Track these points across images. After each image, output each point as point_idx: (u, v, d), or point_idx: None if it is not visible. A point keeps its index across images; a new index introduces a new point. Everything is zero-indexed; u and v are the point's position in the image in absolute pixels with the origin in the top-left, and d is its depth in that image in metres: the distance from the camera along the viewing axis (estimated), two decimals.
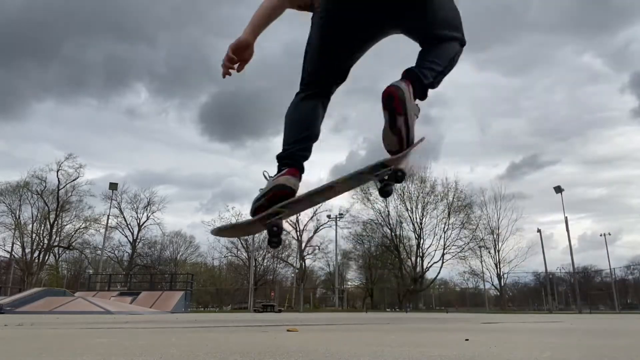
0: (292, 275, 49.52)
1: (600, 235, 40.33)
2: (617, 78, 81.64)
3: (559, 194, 36.88)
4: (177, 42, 71.97)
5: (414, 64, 2.20)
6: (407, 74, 2.10)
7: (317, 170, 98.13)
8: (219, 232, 2.27)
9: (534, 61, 74.46)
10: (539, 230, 39.00)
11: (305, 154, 2.23)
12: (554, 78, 73.49)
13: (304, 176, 2.22)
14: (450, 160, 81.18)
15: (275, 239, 2.05)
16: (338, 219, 43.93)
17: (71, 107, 73.67)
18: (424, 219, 44.49)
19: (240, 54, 2.20)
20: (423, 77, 2.09)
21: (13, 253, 42.46)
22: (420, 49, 2.27)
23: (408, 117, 2.02)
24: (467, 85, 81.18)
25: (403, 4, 2.15)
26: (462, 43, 2.31)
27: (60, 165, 43.63)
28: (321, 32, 2.27)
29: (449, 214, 43.83)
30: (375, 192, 44.27)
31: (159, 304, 24.93)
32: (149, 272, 43.12)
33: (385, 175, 2.07)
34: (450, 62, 2.23)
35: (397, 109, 2.00)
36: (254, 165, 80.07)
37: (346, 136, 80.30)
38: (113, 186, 41.36)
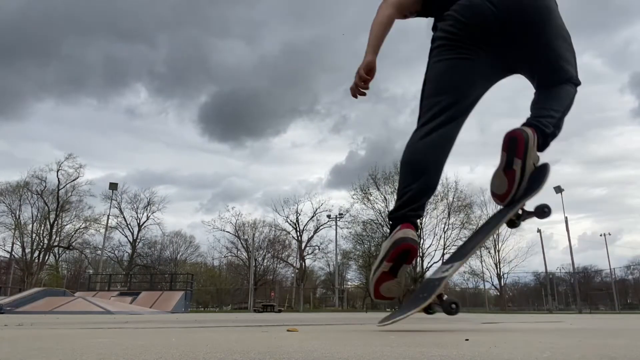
0: (292, 275, 49.51)
1: (600, 235, 40.43)
2: (616, 78, 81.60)
3: (559, 194, 36.88)
4: (177, 42, 71.94)
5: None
6: (528, 125, 2.07)
7: (317, 170, 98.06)
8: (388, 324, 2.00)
9: None
10: (539, 230, 39.02)
11: (421, 213, 2.06)
12: None
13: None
14: (449, 160, 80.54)
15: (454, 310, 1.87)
16: (338, 219, 43.96)
17: (71, 106, 73.69)
18: (423, 219, 44.45)
19: (369, 74, 2.23)
20: (545, 127, 2.06)
21: (13, 253, 42.48)
22: (535, 92, 2.23)
23: (526, 163, 1.99)
24: None
25: (527, 36, 2.06)
26: (577, 84, 2.25)
27: (60, 165, 43.66)
28: (441, 63, 2.14)
29: (449, 214, 43.84)
30: (375, 192, 44.34)
31: (159, 304, 24.91)
32: (149, 272, 43.09)
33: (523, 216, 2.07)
34: (568, 107, 2.18)
35: (518, 152, 1.97)
36: (253, 165, 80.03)
37: (346, 136, 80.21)
38: (113, 186, 41.36)
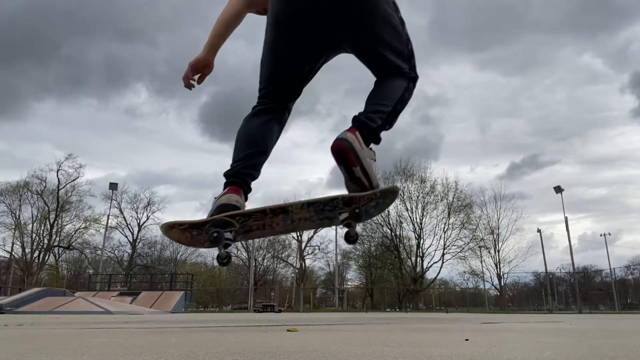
0: (292, 275, 49.53)
1: (600, 235, 40.40)
2: (617, 78, 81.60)
3: (559, 194, 36.88)
4: (177, 42, 71.91)
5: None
6: (353, 122, 2.04)
7: (318, 170, 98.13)
8: (169, 228, 2.11)
9: (534, 61, 74.44)
10: (539, 230, 39.05)
11: (252, 172, 2.12)
12: (554, 78, 73.55)
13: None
14: (450, 160, 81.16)
15: (223, 255, 1.92)
16: None
17: (71, 107, 73.61)
18: (424, 219, 44.52)
19: (199, 71, 2.30)
20: (371, 122, 2.03)
21: (13, 253, 42.49)
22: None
23: (364, 165, 1.96)
24: (467, 85, 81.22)
25: (343, 19, 2.06)
26: (411, 78, 2.21)
27: (60, 165, 43.68)
28: (271, 39, 2.20)
29: (449, 214, 43.85)
30: None
31: (159, 304, 24.92)
32: (149, 272, 43.08)
33: (342, 212, 1.95)
34: (400, 100, 2.14)
35: (350, 161, 1.93)
36: None
37: None
38: (113, 186, 41.35)
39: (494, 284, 44.25)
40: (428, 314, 22.32)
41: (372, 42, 2.13)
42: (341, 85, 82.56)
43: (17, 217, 42.49)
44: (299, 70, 2.25)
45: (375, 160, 2.09)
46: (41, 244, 43.27)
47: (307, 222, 2.13)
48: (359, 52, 2.22)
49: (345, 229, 1.96)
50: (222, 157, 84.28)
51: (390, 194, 2.11)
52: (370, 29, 2.10)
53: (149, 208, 48.71)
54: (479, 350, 1.14)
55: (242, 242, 48.16)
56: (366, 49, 2.18)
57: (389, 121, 2.11)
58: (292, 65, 2.23)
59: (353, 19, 2.08)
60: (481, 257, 43.07)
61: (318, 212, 2.05)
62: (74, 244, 44.92)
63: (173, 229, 2.11)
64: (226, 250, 1.96)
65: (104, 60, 68.62)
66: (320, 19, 2.09)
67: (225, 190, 2.06)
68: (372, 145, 2.06)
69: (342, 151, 1.94)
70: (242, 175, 2.10)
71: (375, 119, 2.06)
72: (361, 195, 1.97)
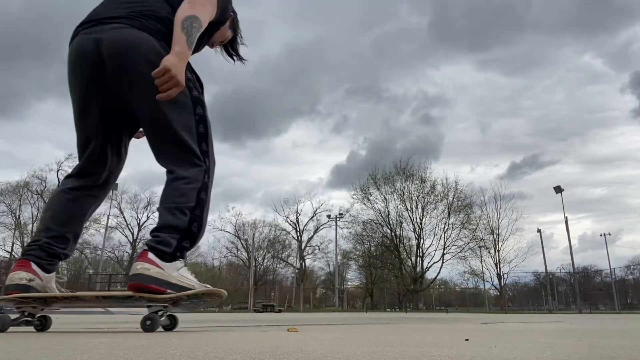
0: (292, 275, 49.49)
1: (600, 235, 40.43)
2: (617, 78, 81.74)
3: (559, 194, 36.87)
4: None
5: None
6: (146, 247, 1.90)
7: (318, 170, 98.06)
8: None
9: (534, 61, 74.50)
10: (539, 230, 39.02)
11: (51, 246, 1.95)
12: (554, 78, 73.63)
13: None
14: (450, 160, 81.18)
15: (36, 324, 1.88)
16: (338, 219, 43.97)
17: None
18: (424, 219, 44.51)
19: None
20: (166, 247, 1.89)
21: (13, 253, 42.46)
22: None
23: (175, 283, 1.84)
24: (468, 85, 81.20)
25: (122, 88, 1.91)
26: (204, 170, 1.99)
27: (60, 165, 43.64)
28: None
29: (449, 214, 43.84)
30: (375, 192, 44.37)
31: None
32: None
33: (149, 305, 1.84)
34: (197, 205, 1.94)
35: (156, 291, 1.83)
36: (254, 165, 79.91)
37: (347, 136, 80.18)
38: (113, 186, 41.36)
39: (494, 284, 44.28)
40: (428, 314, 22.32)
41: (155, 116, 1.94)
42: (341, 85, 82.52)
43: (17, 217, 42.54)
44: (95, 141, 2.04)
45: (185, 266, 1.93)
46: None
47: (115, 304, 2.06)
48: (147, 127, 2.02)
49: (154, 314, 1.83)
50: (222, 157, 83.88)
51: (208, 296, 1.92)
52: (152, 104, 1.88)
53: (149, 208, 48.61)
54: (479, 350, 1.14)
55: (242, 242, 48.15)
56: (150, 123, 1.99)
57: (190, 235, 1.93)
58: (85, 135, 2.04)
59: (132, 90, 1.91)
60: (481, 257, 43.11)
61: (119, 302, 1.97)
62: None
63: None
64: (34, 325, 1.93)
65: None
66: (95, 86, 1.93)
67: (13, 266, 1.93)
68: None
69: (141, 289, 1.83)
70: (35, 250, 1.94)
71: (169, 242, 1.88)
72: (157, 298, 1.83)
